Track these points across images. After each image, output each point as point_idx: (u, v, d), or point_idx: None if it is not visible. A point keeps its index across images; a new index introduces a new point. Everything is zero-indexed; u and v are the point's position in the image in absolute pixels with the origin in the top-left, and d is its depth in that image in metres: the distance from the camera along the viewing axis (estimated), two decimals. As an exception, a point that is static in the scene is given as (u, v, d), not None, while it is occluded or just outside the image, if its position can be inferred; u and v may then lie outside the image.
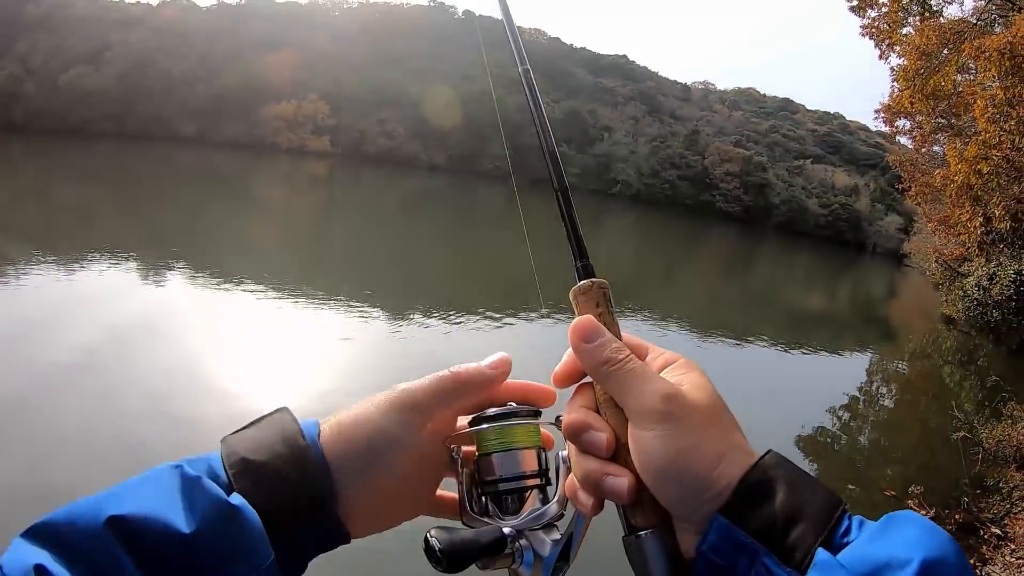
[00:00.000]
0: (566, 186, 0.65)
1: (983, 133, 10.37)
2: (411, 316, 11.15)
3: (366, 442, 0.58)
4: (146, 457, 4.20)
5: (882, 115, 15.09)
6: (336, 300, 11.64)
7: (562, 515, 0.62)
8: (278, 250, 17.09)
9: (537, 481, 0.62)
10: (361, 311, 11.04)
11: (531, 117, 0.67)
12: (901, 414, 11.65)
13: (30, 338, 7.78)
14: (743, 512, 0.49)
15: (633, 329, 0.81)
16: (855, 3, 13.32)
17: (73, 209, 19.37)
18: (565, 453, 0.63)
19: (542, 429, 0.65)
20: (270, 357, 8.24)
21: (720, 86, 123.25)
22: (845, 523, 0.49)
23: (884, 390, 13.65)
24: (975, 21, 12.32)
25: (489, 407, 0.64)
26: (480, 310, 11.77)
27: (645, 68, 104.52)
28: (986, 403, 10.23)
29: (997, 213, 11.84)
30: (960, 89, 12.16)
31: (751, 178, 70.17)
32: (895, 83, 13.28)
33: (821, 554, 0.46)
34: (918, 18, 12.99)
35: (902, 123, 15.24)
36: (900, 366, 16.47)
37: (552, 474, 0.64)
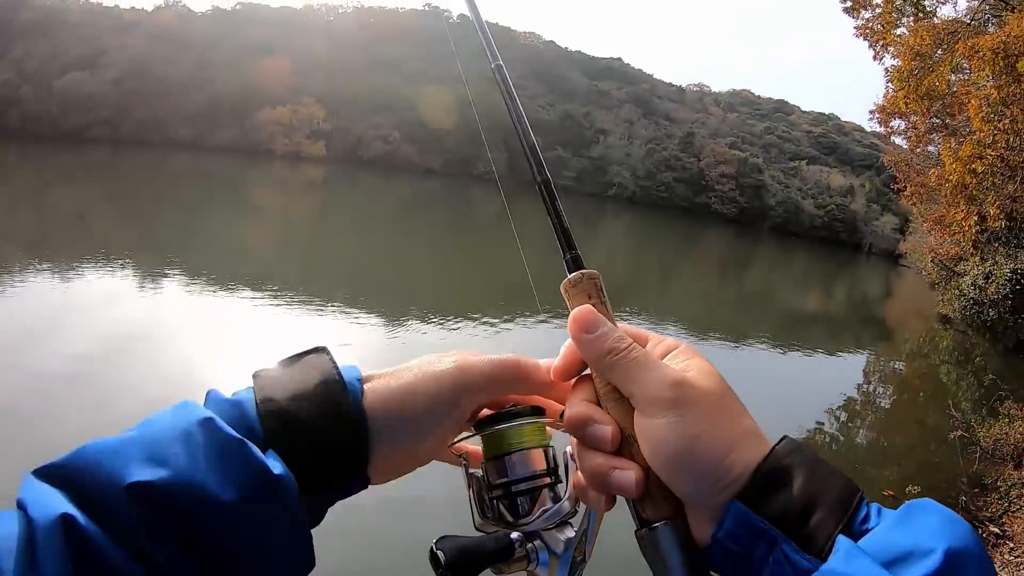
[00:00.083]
0: (548, 178, 0.64)
1: (977, 132, 10.39)
2: (408, 322, 11.14)
3: (413, 416, 0.56)
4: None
5: (877, 116, 15.14)
6: (333, 305, 11.63)
7: (575, 512, 0.61)
8: (274, 255, 17.06)
9: (548, 480, 0.61)
10: (357, 317, 11.03)
11: (507, 111, 0.66)
12: (898, 414, 11.67)
13: (25, 345, 7.74)
14: (760, 498, 0.48)
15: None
16: (849, 4, 13.37)
17: (68, 215, 19.32)
18: (571, 449, 0.61)
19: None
20: (266, 363, 8.20)
21: (715, 88, 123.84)
22: (864, 510, 0.48)
23: (881, 390, 13.67)
24: (968, 21, 12.37)
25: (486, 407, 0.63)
26: (477, 315, 11.76)
27: (640, 71, 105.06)
28: (983, 402, 10.26)
29: (992, 212, 11.88)
30: (954, 89, 12.19)
31: (747, 180, 70.36)
32: (889, 84, 13.32)
33: (842, 541, 0.45)
34: (912, 19, 13.03)
35: (897, 123, 15.27)
36: (897, 366, 16.51)
37: (561, 471, 0.63)
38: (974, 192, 11.35)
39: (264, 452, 0.47)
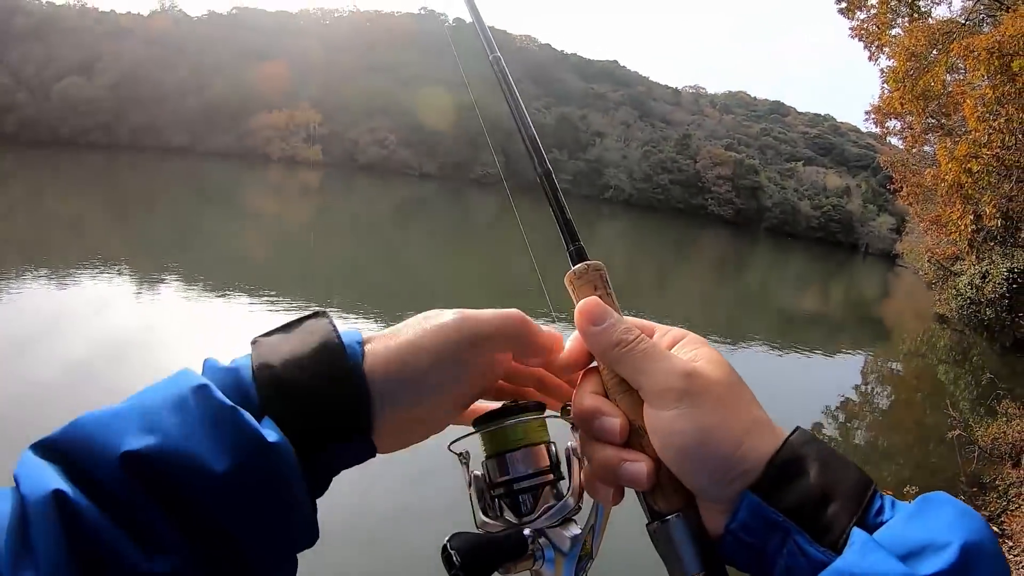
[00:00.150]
0: (549, 169, 0.63)
1: (973, 132, 10.42)
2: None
3: (416, 373, 0.52)
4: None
5: (873, 116, 15.18)
6: (329, 310, 11.57)
7: (579, 508, 0.60)
8: (270, 260, 17.04)
9: (551, 476, 0.59)
10: (354, 321, 11.01)
11: (507, 104, 0.66)
12: (896, 413, 11.69)
13: (20, 351, 7.72)
14: (774, 490, 0.48)
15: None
16: (844, 5, 13.41)
17: (64, 220, 19.29)
18: (572, 443, 0.60)
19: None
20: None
21: (711, 90, 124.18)
22: (878, 502, 0.48)
23: (879, 390, 13.70)
24: (963, 21, 12.42)
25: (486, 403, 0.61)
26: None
27: (636, 73, 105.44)
28: (981, 401, 10.28)
29: (988, 211, 11.89)
30: (950, 89, 12.21)
31: (743, 181, 70.55)
32: (885, 84, 13.36)
33: (857, 533, 0.45)
34: (907, 19, 13.08)
35: (892, 124, 15.29)
36: (894, 366, 16.55)
37: (563, 467, 0.61)
38: (970, 191, 11.36)
39: (260, 419, 0.45)
